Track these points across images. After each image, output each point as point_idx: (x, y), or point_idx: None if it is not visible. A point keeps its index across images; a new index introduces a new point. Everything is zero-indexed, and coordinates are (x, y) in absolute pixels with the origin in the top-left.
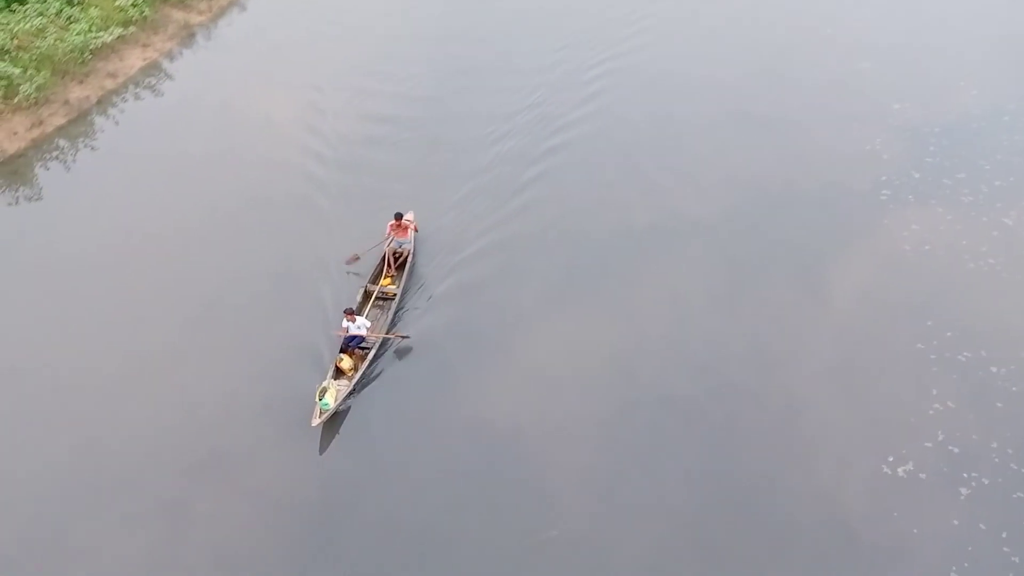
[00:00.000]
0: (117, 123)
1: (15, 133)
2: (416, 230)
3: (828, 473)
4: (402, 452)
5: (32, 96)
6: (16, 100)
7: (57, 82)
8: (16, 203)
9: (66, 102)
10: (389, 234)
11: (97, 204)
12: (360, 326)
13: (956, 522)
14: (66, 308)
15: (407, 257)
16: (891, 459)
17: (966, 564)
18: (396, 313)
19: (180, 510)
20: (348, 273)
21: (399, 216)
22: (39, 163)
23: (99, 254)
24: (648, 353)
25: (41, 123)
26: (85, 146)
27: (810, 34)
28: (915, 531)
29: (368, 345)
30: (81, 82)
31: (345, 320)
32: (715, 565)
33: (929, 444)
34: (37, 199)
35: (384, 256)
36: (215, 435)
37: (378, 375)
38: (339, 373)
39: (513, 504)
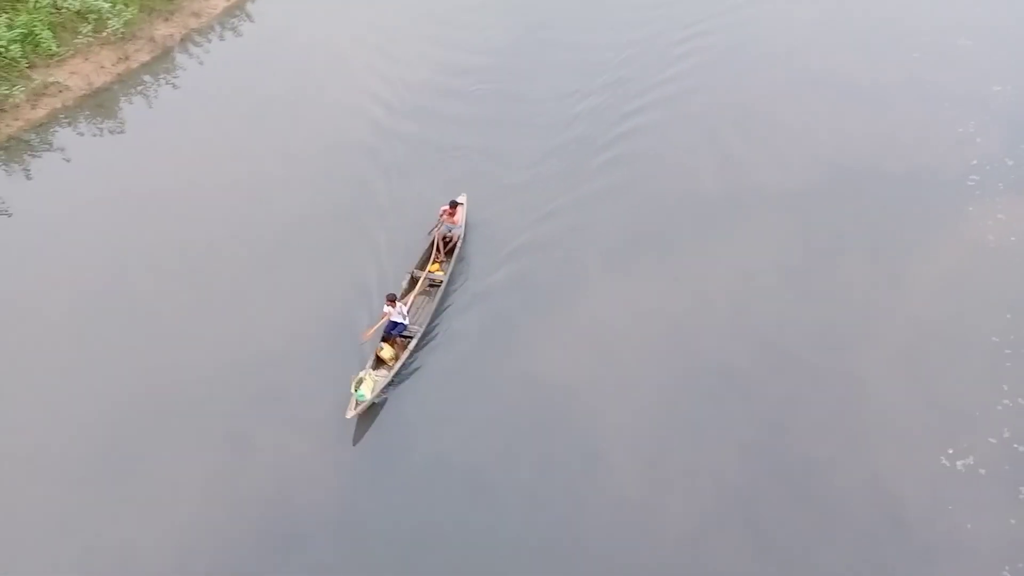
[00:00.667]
0: (201, 62)
1: (102, 67)
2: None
3: (885, 459)
4: (456, 402)
5: (119, 31)
6: (104, 34)
7: (144, 19)
8: (101, 135)
9: (151, 39)
10: (441, 219)
11: (177, 140)
12: (401, 312)
13: (1013, 521)
14: (143, 240)
15: (456, 243)
16: (951, 451)
17: (1020, 565)
18: (442, 299)
19: (242, 440)
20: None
21: (454, 204)
22: (124, 97)
23: (177, 190)
24: (712, 323)
25: (127, 58)
26: (167, 83)
27: (909, 6)
28: (969, 526)
29: (411, 333)
30: (167, 20)
31: (386, 306)
32: (761, 539)
33: (993, 440)
34: (120, 132)
35: (433, 241)
36: (277, 370)
37: (435, 337)
38: (379, 363)
39: (563, 461)
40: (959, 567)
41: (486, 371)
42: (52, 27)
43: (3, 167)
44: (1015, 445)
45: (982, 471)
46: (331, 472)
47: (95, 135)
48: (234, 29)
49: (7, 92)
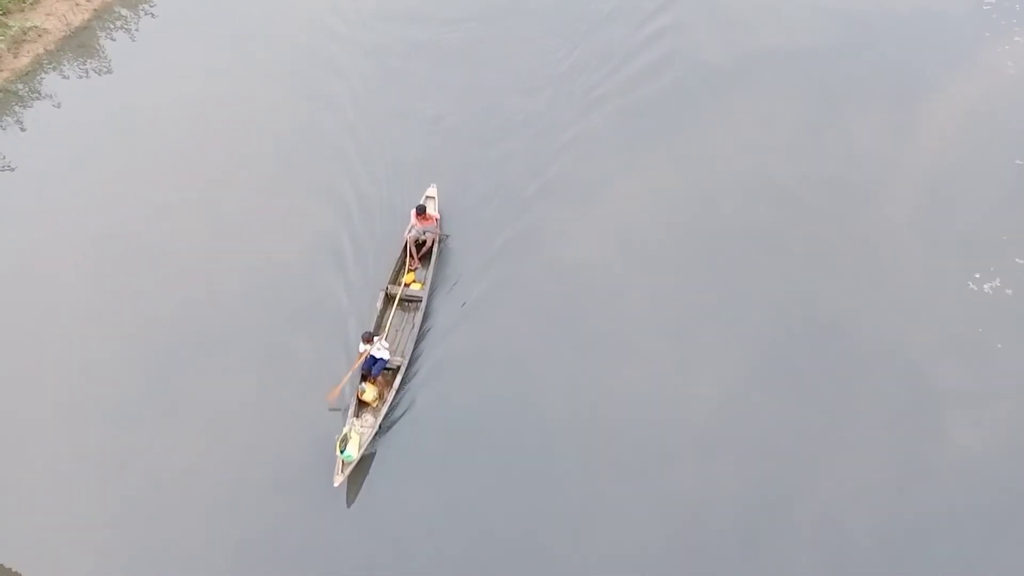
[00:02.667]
0: None
1: (77, 4)
2: (438, 220)
3: (913, 292)
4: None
5: None
6: None
7: None
8: (87, 75)
9: None
10: (412, 224)
11: (162, 71)
12: (380, 347)
13: None
14: (149, 179)
15: (433, 244)
16: (978, 275)
17: None
18: (425, 318)
19: (282, 355)
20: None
21: (421, 210)
22: (103, 33)
23: (171, 122)
24: (733, 183)
25: None
26: (145, 13)
27: None
28: (999, 346)
29: (393, 366)
30: None
31: (362, 344)
32: (793, 389)
33: (1021, 260)
34: (107, 71)
35: (405, 246)
36: (303, 289)
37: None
38: (362, 406)
39: (591, 342)
40: (993, 394)
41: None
42: None
43: None
44: None
45: (1009, 291)
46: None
47: (81, 76)
48: None
49: None
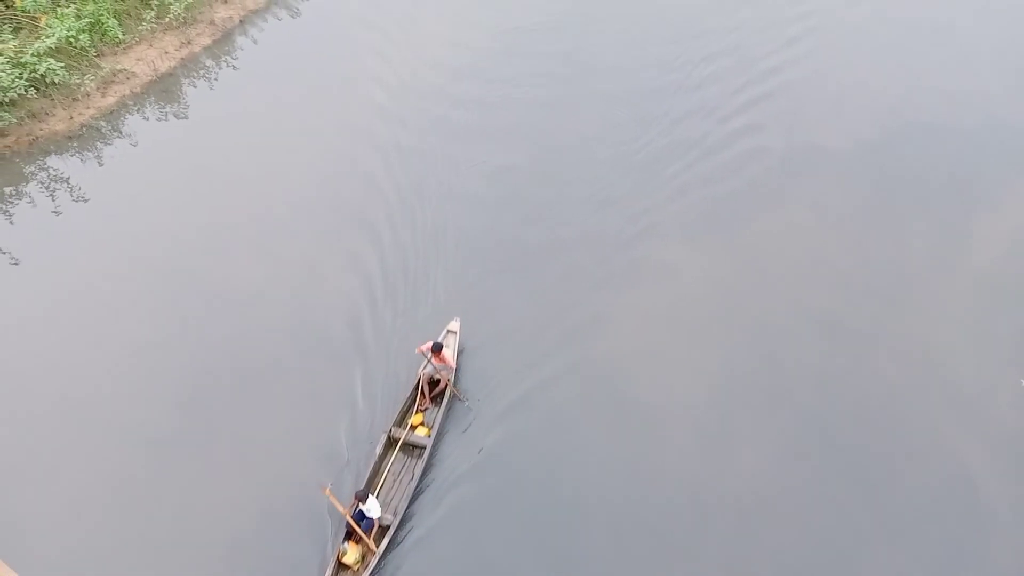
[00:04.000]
0: (256, 42)
1: (166, 52)
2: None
3: (962, 388)
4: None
5: (181, 16)
6: (167, 20)
7: (204, 3)
8: (166, 118)
9: (212, 22)
10: (426, 362)
11: (237, 120)
12: (371, 507)
13: None
14: (211, 220)
15: (447, 387)
16: None
17: None
18: (426, 472)
19: (310, 395)
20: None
21: (438, 347)
22: (187, 80)
23: (237, 167)
24: (789, 268)
25: (189, 43)
26: (228, 65)
27: None
28: None
29: (385, 523)
30: (226, 2)
31: (355, 504)
32: (839, 471)
33: None
34: (184, 117)
35: (418, 383)
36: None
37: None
38: (342, 569)
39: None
40: None
41: None
42: (117, 15)
43: (78, 155)
44: None
45: None
46: None
47: (160, 119)
48: (291, 9)
49: (78, 81)
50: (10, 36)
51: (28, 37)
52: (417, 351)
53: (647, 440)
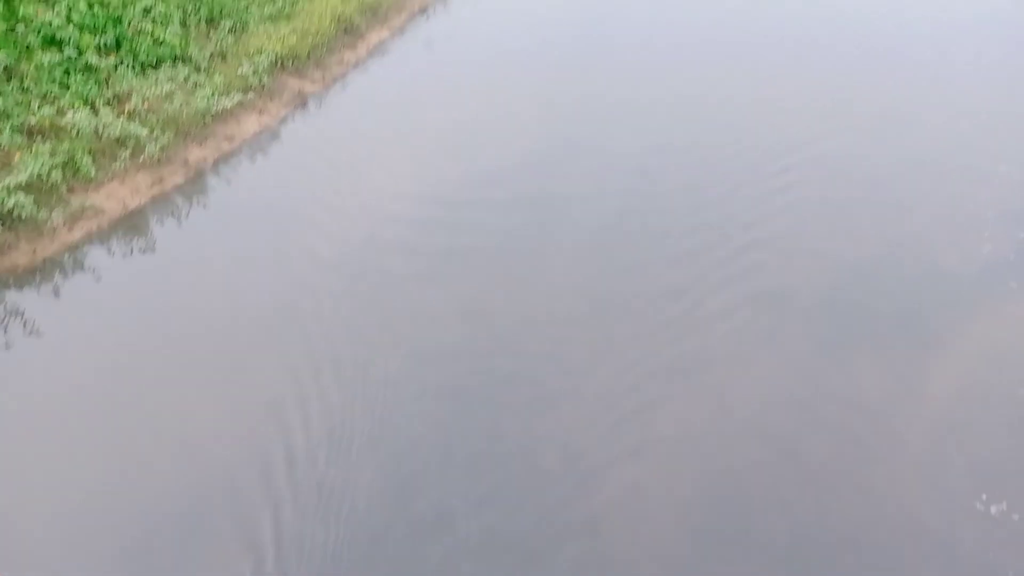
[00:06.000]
0: (229, 183)
1: (137, 190)
2: None
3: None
4: None
5: (156, 156)
6: (141, 159)
7: (179, 143)
8: (131, 253)
9: (185, 162)
10: None
11: (202, 256)
12: None
13: None
14: (169, 360)
15: None
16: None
17: None
18: None
19: None
20: None
21: None
22: (155, 217)
23: (193, 307)
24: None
25: (162, 181)
26: (199, 203)
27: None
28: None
29: None
30: (201, 144)
31: None
32: None
33: None
34: (151, 251)
35: None
36: None
37: None
38: None
39: None
40: None
41: None
42: (92, 153)
43: (36, 289)
44: None
45: (1015, 516)
46: None
47: (125, 255)
48: (265, 151)
49: (46, 216)
50: None
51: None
52: None
53: None
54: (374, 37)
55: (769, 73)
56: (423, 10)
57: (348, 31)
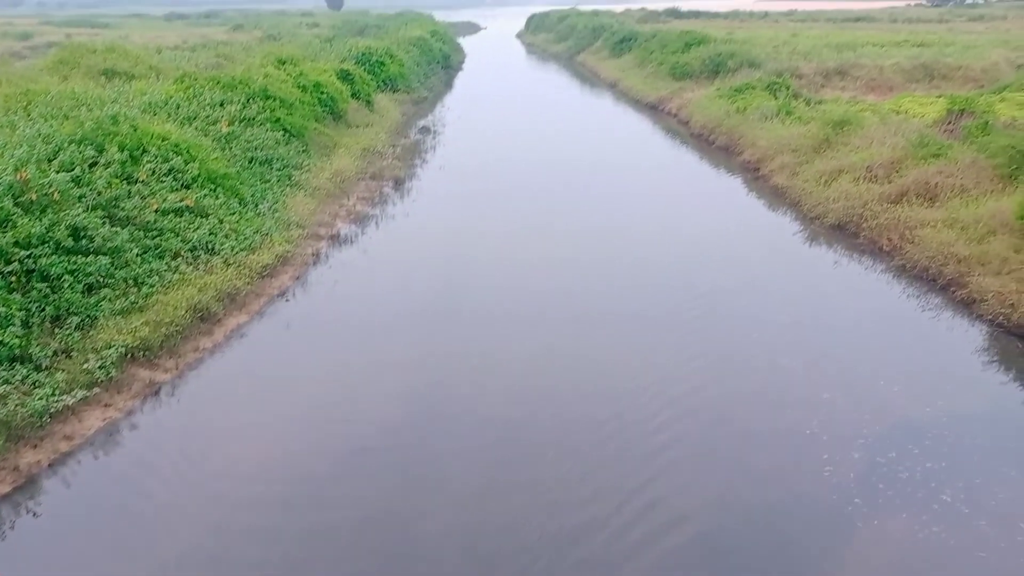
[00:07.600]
0: (68, 485)
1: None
2: None
3: None
4: None
5: None
6: None
7: (10, 448)
8: None
9: (15, 468)
10: None
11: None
12: None
13: None
14: None
15: None
16: None
17: None
18: None
19: None
20: None
21: None
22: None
23: None
24: None
25: None
26: (28, 512)
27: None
28: None
29: None
30: (35, 446)
31: None
32: None
33: None
34: None
35: None
36: None
37: None
38: None
39: None
40: None
41: None
42: None
43: None
44: None
45: None
46: None
47: None
48: (107, 448)
49: None
50: None
51: None
52: None
53: None
54: (232, 322)
55: (642, 340)
56: (282, 293)
57: (204, 318)
